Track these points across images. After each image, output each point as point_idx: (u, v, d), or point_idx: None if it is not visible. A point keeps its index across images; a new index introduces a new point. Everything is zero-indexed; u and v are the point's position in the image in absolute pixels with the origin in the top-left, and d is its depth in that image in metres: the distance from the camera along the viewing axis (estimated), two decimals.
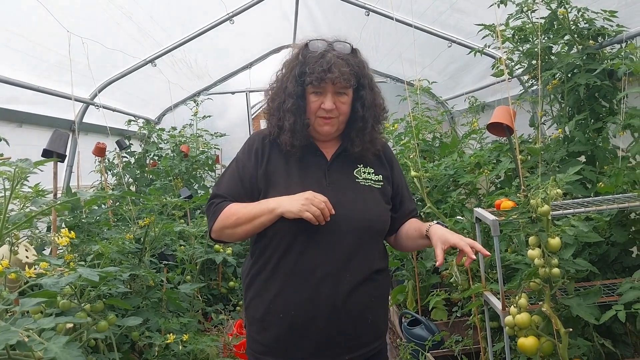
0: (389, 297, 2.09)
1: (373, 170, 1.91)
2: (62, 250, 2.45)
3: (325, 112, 1.80)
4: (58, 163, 2.41)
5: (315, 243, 1.74)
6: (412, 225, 1.94)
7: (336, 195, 1.78)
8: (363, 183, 1.87)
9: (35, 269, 1.27)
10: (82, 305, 1.51)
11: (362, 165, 1.90)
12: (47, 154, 2.27)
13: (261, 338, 1.83)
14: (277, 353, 1.80)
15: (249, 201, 1.82)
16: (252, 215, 1.74)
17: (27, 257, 1.62)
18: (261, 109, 1.88)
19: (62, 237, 1.39)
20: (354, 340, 1.80)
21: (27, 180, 1.48)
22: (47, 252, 2.42)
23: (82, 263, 1.77)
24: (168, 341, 2.21)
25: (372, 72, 1.95)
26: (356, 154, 1.88)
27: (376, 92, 1.93)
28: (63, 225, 2.67)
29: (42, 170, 2.14)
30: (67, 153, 4.21)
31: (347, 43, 1.85)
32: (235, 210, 1.78)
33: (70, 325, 1.42)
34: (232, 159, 1.98)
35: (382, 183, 1.90)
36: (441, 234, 1.73)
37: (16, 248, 1.64)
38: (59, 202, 1.73)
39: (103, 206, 3.01)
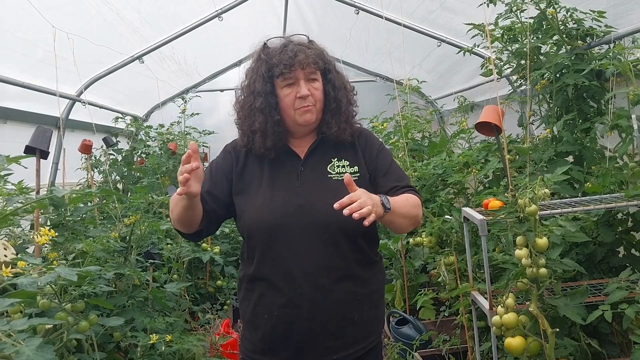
0: (383, 294, 2.04)
1: (348, 162, 1.87)
2: (46, 249, 2.42)
3: (303, 100, 1.79)
4: (43, 160, 2.37)
5: (289, 245, 1.74)
6: None
7: (307, 195, 1.78)
8: (336, 178, 1.83)
9: (13, 268, 1.24)
10: (63, 305, 1.48)
11: (336, 159, 1.87)
12: (29, 150, 2.23)
13: (251, 337, 1.86)
14: (265, 352, 1.82)
15: (217, 192, 1.85)
16: (175, 199, 1.74)
17: (5, 255, 1.58)
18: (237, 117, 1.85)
19: (41, 236, 1.37)
20: (340, 340, 1.79)
21: (4, 178, 1.44)
22: (30, 250, 2.38)
23: (64, 262, 1.75)
24: (151, 341, 2.18)
25: (333, 59, 1.96)
26: (332, 142, 1.87)
27: (342, 75, 1.94)
28: (48, 223, 2.64)
29: (26, 167, 2.11)
30: (53, 150, 4.19)
31: (303, 35, 1.89)
32: (171, 201, 1.81)
33: (50, 325, 1.39)
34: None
35: (358, 174, 1.85)
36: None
37: None
38: (35, 200, 1.69)
39: (89, 204, 2.97)
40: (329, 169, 1.85)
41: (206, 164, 5.81)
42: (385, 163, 1.91)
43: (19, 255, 1.61)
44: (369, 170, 1.89)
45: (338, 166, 1.86)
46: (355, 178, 1.83)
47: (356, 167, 1.87)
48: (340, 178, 1.82)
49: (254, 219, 1.79)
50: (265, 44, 1.87)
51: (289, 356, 1.79)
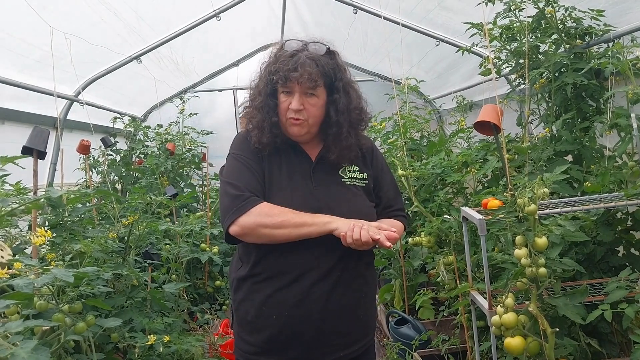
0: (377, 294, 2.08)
1: (358, 169, 1.92)
2: (44, 250, 2.41)
3: (293, 112, 1.78)
4: (41, 161, 2.36)
5: (306, 246, 1.72)
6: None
7: (324, 197, 1.79)
8: (349, 183, 1.87)
9: (9, 269, 1.23)
10: (61, 306, 1.47)
11: (346, 164, 1.90)
12: (27, 151, 2.22)
13: (253, 339, 1.81)
14: (270, 353, 1.79)
15: (263, 197, 1.77)
16: (303, 222, 1.68)
17: (1, 256, 1.57)
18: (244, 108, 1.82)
19: (38, 237, 1.36)
20: (346, 337, 1.81)
21: (1, 179, 1.43)
22: (29, 251, 2.37)
23: (61, 262, 1.74)
24: (149, 342, 2.17)
25: (350, 74, 1.91)
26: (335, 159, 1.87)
27: (353, 95, 1.88)
28: (46, 224, 2.63)
29: (24, 168, 2.11)
30: (51, 150, 4.18)
31: (323, 44, 1.82)
32: (281, 211, 1.70)
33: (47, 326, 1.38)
34: (229, 157, 1.89)
35: (366, 181, 1.91)
36: None
37: None
38: (30, 201, 1.68)
39: (87, 204, 2.96)
40: (340, 173, 1.88)
41: (204, 164, 5.81)
42: (387, 180, 2.01)
43: (16, 256, 1.60)
44: (373, 182, 1.95)
45: (350, 171, 1.90)
46: (363, 184, 1.90)
47: (365, 174, 1.92)
48: (352, 183, 1.88)
49: None
50: (283, 44, 1.84)
51: (296, 355, 1.77)
